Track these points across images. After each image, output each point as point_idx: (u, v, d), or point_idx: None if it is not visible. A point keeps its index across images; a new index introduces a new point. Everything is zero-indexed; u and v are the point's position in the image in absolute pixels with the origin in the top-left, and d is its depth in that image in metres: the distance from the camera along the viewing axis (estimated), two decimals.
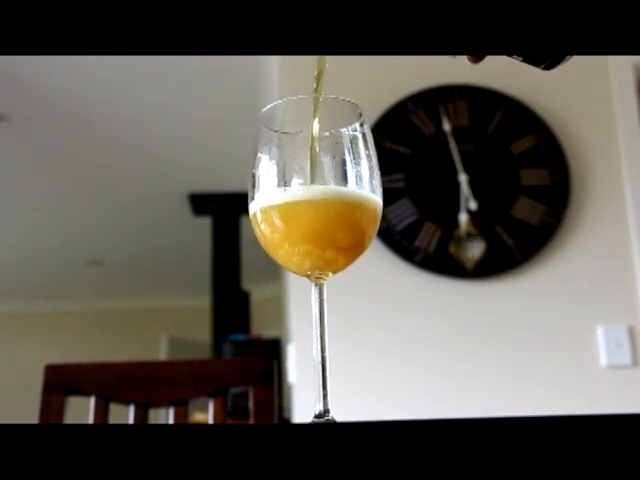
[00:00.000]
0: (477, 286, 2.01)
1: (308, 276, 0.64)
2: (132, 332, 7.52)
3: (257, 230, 0.65)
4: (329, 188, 0.62)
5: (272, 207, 0.62)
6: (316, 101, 0.62)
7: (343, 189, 0.62)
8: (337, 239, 0.62)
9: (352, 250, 0.64)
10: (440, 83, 2.13)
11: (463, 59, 0.60)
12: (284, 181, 0.62)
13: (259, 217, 0.64)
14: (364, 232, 0.64)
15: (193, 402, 1.12)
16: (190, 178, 4.40)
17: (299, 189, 0.61)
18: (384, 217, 1.97)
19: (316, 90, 0.62)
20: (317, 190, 0.61)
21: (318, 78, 0.62)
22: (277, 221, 0.62)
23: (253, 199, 0.64)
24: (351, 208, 0.62)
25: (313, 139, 0.61)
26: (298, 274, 0.65)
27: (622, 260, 2.05)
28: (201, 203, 4.68)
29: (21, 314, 7.67)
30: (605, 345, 1.97)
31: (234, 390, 1.12)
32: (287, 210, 0.62)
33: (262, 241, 0.65)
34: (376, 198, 0.64)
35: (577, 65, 2.18)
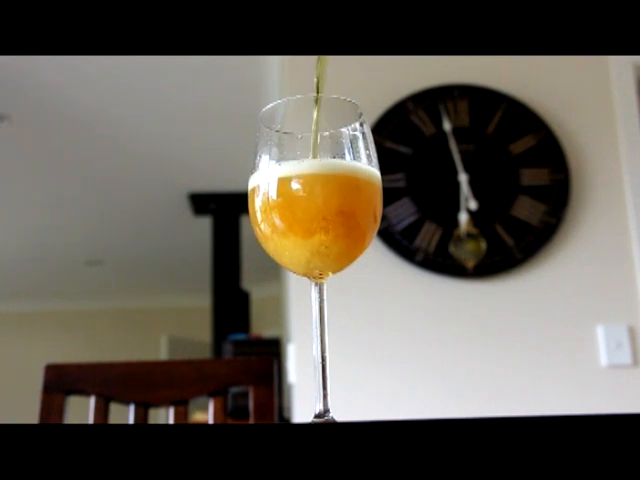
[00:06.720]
0: (477, 286, 2.01)
1: (308, 276, 0.63)
2: (132, 332, 7.53)
3: (251, 211, 0.63)
4: (330, 160, 0.61)
5: (272, 181, 0.61)
6: (318, 100, 0.62)
7: (343, 162, 0.62)
8: (338, 213, 0.60)
9: (352, 232, 0.61)
10: (440, 83, 2.13)
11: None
12: None
13: (257, 193, 0.62)
14: (363, 209, 0.62)
15: (193, 402, 1.12)
16: (190, 178, 4.40)
17: (296, 163, 0.60)
18: (384, 217, 1.97)
19: (317, 90, 0.62)
20: (316, 163, 0.60)
21: (319, 79, 0.62)
22: (275, 196, 0.61)
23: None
24: (352, 180, 0.61)
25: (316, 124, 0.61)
26: (297, 273, 0.64)
27: (622, 260, 2.05)
28: (201, 203, 4.68)
29: (21, 314, 7.67)
30: (605, 345, 1.97)
31: (234, 390, 1.12)
32: (285, 184, 0.60)
33: (259, 235, 0.64)
34: (377, 173, 0.63)
35: (577, 65, 2.19)
